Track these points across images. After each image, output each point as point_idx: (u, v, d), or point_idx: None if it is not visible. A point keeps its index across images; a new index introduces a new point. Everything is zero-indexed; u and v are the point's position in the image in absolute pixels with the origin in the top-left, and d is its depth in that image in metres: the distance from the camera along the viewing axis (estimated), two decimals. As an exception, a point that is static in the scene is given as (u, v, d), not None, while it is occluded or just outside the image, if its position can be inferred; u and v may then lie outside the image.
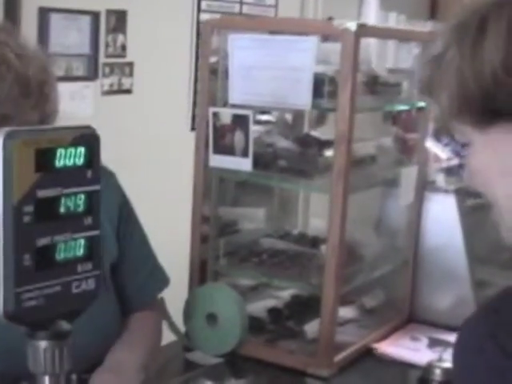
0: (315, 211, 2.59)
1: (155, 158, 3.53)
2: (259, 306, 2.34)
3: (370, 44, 2.36)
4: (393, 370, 2.16)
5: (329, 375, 2.06)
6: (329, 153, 2.10)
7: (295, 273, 2.13)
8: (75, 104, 3.26)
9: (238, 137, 2.10)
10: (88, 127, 0.98)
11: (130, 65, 3.53)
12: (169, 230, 3.05)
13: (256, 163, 2.13)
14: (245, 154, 2.10)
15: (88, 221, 0.97)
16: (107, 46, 3.44)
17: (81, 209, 0.96)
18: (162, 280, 2.01)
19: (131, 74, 3.54)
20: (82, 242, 0.96)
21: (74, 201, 0.95)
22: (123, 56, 3.51)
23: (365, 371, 2.14)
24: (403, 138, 2.42)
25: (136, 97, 3.56)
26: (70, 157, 0.94)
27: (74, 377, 1.67)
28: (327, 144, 2.15)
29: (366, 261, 2.31)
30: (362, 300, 2.37)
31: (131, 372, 1.76)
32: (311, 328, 2.14)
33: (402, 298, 2.44)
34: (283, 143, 2.23)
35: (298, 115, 2.46)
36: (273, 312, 2.30)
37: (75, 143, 0.94)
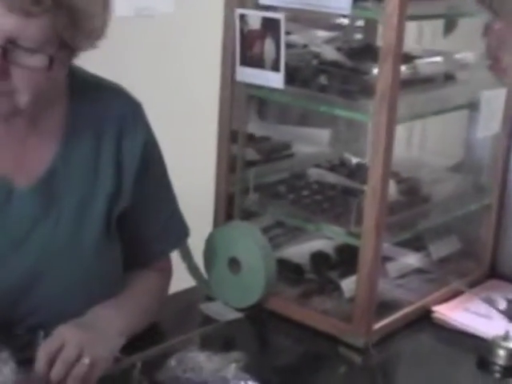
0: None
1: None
2: (302, 250, 1.95)
3: None
4: (449, 344, 1.75)
5: (364, 346, 1.67)
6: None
7: (331, 216, 1.73)
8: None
9: (269, 46, 1.69)
10: None
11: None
12: (194, 156, 2.67)
13: (292, 79, 1.72)
14: (275, 67, 1.69)
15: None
16: None
17: None
18: (179, 235, 1.71)
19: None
20: None
21: None
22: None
23: (412, 344, 1.74)
24: (496, 54, 1.93)
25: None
26: None
27: (41, 334, 1.42)
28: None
29: (434, 202, 1.87)
30: (429, 248, 1.94)
31: (109, 331, 1.47)
32: (349, 284, 1.74)
33: (483, 248, 1.99)
34: (333, 55, 1.80)
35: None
36: (316, 257, 1.92)
37: None
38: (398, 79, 1.55)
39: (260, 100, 2.18)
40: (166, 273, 1.70)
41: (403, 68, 1.66)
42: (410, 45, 1.85)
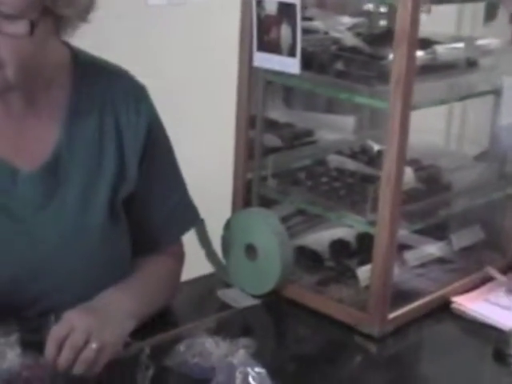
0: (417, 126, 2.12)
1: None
2: (323, 237, 1.93)
3: None
4: (467, 335, 1.72)
5: (379, 335, 1.65)
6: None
7: (348, 203, 1.71)
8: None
9: (285, 31, 1.67)
10: None
11: None
12: (214, 142, 2.66)
13: (310, 65, 1.71)
14: (292, 52, 1.67)
15: None
16: None
17: None
18: (190, 219, 1.70)
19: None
20: None
21: None
22: None
23: (429, 334, 1.71)
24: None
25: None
26: None
27: (52, 317, 1.43)
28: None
29: (456, 190, 1.84)
30: (451, 238, 1.90)
31: (118, 315, 1.47)
32: (365, 272, 1.72)
33: (506, 238, 1.95)
34: (352, 40, 1.78)
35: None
36: (336, 245, 1.90)
37: None
38: (413, 65, 1.52)
39: (285, 87, 2.17)
40: (178, 257, 1.69)
41: (421, 53, 1.63)
42: (435, 31, 1.83)
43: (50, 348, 1.34)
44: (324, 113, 2.22)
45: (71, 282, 1.50)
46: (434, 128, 2.25)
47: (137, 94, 1.58)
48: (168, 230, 1.65)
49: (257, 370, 1.39)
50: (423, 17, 1.90)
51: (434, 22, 1.86)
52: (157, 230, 1.63)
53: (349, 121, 2.16)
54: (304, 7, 1.72)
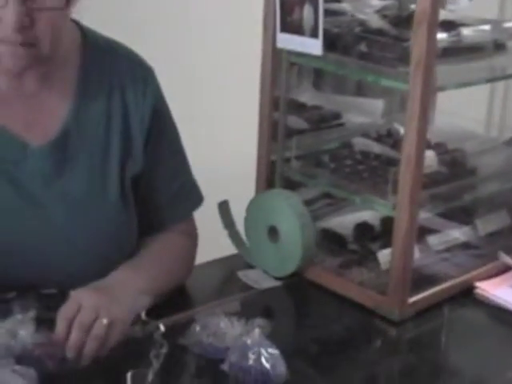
0: (445, 108, 2.10)
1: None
2: (348, 220, 1.92)
3: None
4: (490, 321, 1.70)
5: (399, 319, 1.64)
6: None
7: (370, 186, 1.70)
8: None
9: (307, 12, 1.66)
10: None
11: None
12: (238, 123, 2.65)
13: (332, 46, 1.70)
14: (314, 33, 1.66)
15: None
16: None
17: None
18: (194, 200, 1.71)
19: None
20: None
21: None
22: None
23: (451, 319, 1.69)
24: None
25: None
26: None
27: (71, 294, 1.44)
28: (443, 26, 1.66)
29: (481, 175, 1.82)
30: (475, 222, 1.88)
31: (127, 292, 1.47)
32: (385, 256, 1.71)
33: (534, 224, 1.93)
34: (377, 22, 1.76)
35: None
36: (360, 228, 1.89)
37: None
38: (433, 47, 1.50)
39: (315, 71, 2.17)
40: (188, 235, 1.70)
41: (444, 36, 1.61)
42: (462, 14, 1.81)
43: (60, 328, 1.35)
44: (353, 96, 2.20)
45: (78, 256, 1.51)
46: (475, 113, 2.22)
47: (144, 76, 1.60)
48: (173, 210, 1.66)
49: (270, 350, 1.39)
50: (465, 2, 1.88)
51: (477, 7, 1.84)
52: (162, 210, 1.65)
53: (378, 104, 2.14)
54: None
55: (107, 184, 1.53)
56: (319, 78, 2.24)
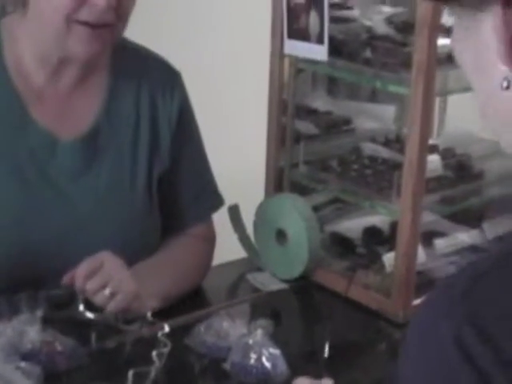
0: (454, 114, 2.12)
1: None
2: (357, 224, 1.94)
3: None
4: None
5: (403, 321, 1.65)
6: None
7: (375, 190, 1.72)
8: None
9: (313, 19, 1.69)
10: None
11: None
12: (249, 128, 2.68)
13: (338, 52, 1.72)
14: (320, 40, 1.69)
15: None
16: None
17: None
18: (215, 202, 1.75)
19: None
20: None
21: None
22: None
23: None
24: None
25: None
26: None
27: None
28: (448, 31, 1.67)
29: (487, 178, 1.83)
30: (482, 226, 1.90)
31: (143, 294, 1.51)
32: (390, 258, 1.73)
33: (544, 228, 1.94)
34: (383, 28, 1.78)
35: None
36: (368, 232, 1.91)
37: None
38: (434, 52, 1.52)
39: (329, 77, 2.19)
40: (207, 240, 1.73)
41: (449, 41, 1.63)
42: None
43: (79, 279, 1.44)
44: (366, 102, 2.23)
45: (102, 250, 1.53)
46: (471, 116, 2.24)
47: (172, 79, 1.65)
48: (194, 210, 1.69)
49: (271, 350, 1.42)
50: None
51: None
52: (183, 210, 1.68)
53: (389, 110, 2.16)
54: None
55: (135, 181, 1.58)
56: (333, 84, 2.27)
